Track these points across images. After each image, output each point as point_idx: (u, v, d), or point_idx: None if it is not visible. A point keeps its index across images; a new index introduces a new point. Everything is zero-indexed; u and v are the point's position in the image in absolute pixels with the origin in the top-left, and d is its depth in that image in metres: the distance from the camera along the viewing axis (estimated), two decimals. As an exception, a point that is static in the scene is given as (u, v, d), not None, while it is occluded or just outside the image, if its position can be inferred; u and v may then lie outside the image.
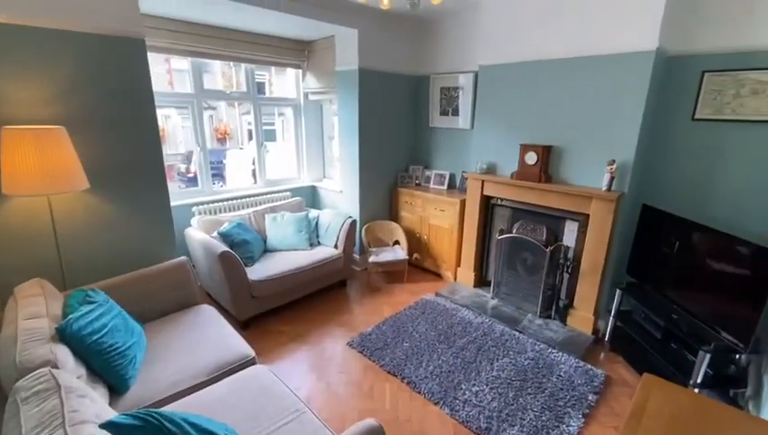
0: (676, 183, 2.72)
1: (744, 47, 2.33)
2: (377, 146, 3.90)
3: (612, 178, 2.65)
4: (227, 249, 2.79)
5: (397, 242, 4.01)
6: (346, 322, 3.13)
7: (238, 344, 2.05)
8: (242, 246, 3.14)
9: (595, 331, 2.90)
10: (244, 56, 3.62)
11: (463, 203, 3.59)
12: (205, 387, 1.76)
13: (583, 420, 2.14)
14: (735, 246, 2.04)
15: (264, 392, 1.68)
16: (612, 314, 2.76)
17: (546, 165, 3.00)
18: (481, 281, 3.69)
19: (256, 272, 3.00)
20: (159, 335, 2.09)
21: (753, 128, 2.38)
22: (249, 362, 1.98)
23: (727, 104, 2.46)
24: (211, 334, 2.12)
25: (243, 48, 3.56)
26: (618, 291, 2.72)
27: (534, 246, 3.11)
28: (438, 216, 3.80)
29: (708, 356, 1.96)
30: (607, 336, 2.81)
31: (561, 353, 2.70)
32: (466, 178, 3.69)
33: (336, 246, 3.55)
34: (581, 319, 2.94)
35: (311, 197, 4.50)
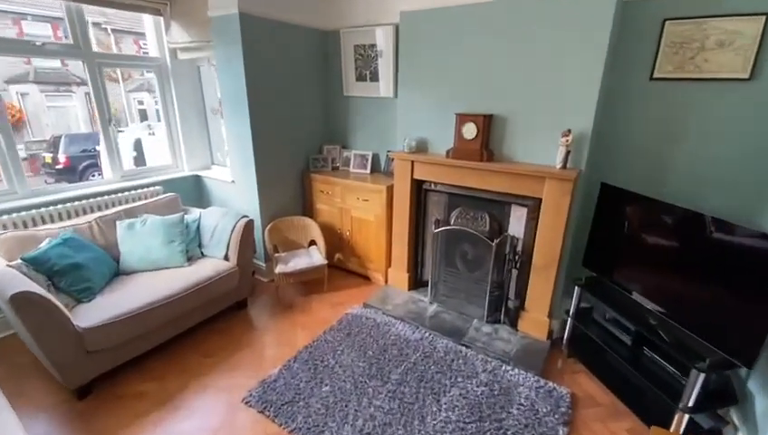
0: (630, 156, 2.32)
1: (712, -13, 1.93)
2: (277, 121, 3.00)
3: (568, 153, 2.15)
4: (25, 289, 1.74)
5: (313, 242, 3.21)
6: (243, 363, 2.29)
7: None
8: (69, 275, 2.09)
9: (550, 334, 2.47)
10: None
11: (390, 190, 2.91)
12: None
13: (559, 470, 1.65)
14: (727, 232, 1.64)
15: None
16: (570, 314, 2.33)
17: (487, 140, 2.42)
18: (416, 282, 3.09)
19: (94, 312, 2.00)
20: None
21: (715, 87, 2.02)
22: None
23: (690, 59, 2.06)
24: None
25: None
26: (576, 288, 2.29)
27: (477, 238, 2.56)
28: (362, 207, 3.07)
29: (703, 376, 1.56)
30: (564, 340, 2.39)
31: (517, 371, 2.20)
32: (392, 160, 3.00)
33: (227, 257, 2.64)
34: (534, 322, 2.48)
35: (195, 191, 3.46)
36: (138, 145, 6.83)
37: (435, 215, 2.86)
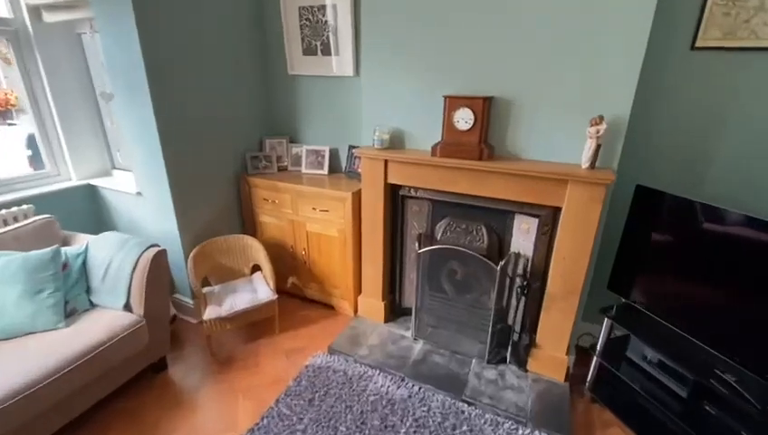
0: (661, 150, 1.84)
1: None
2: (195, 106, 2.19)
3: (598, 148, 1.61)
4: None
5: (257, 268, 2.47)
6: (155, 472, 1.55)
7: None
8: None
9: (567, 374, 1.97)
10: None
11: (358, 197, 2.24)
12: None
13: None
14: None
15: None
16: (597, 353, 1.84)
17: (487, 131, 1.82)
18: (394, 310, 2.47)
19: None
20: None
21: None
22: None
23: (745, 23, 1.59)
24: None
25: None
26: (606, 320, 1.79)
27: (474, 259, 1.98)
28: (321, 219, 2.37)
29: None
30: (588, 383, 1.90)
31: (535, 430, 1.68)
32: (358, 158, 2.34)
33: (129, 307, 1.85)
34: (549, 361, 1.97)
35: (88, 208, 2.55)
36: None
37: (415, 228, 2.24)
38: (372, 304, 2.39)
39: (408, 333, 2.30)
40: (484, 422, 1.75)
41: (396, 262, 2.36)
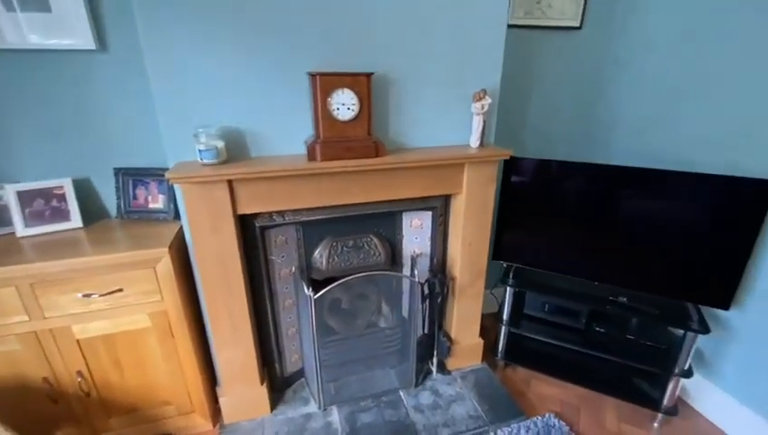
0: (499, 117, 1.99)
1: None
2: None
3: (484, 124, 1.53)
4: None
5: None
6: None
7: None
8: None
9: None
10: None
11: (180, 247, 1.34)
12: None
13: None
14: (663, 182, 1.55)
15: None
16: (504, 322, 1.89)
17: (371, 119, 1.40)
18: (275, 387, 1.74)
19: None
20: None
21: (554, 36, 1.92)
22: None
23: (537, 3, 1.85)
24: None
25: None
26: (508, 289, 1.83)
27: (390, 278, 1.59)
28: (105, 309, 1.31)
29: (697, 336, 1.49)
30: (500, 353, 1.95)
31: (489, 430, 1.57)
32: (143, 187, 1.41)
33: None
34: (467, 351, 1.89)
35: None
36: None
37: (283, 266, 1.59)
38: (246, 395, 1.58)
39: (312, 408, 1.67)
40: (459, 459, 1.48)
41: (268, 322, 1.62)
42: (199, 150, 1.20)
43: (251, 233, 1.44)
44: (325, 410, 1.67)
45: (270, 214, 1.43)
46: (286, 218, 1.46)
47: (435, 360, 1.83)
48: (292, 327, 1.71)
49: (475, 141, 1.54)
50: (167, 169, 1.23)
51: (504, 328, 1.89)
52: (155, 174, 1.51)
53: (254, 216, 1.41)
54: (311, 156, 1.31)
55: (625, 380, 1.79)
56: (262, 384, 1.60)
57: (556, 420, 1.64)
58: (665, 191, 1.52)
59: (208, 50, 1.20)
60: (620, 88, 1.98)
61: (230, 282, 1.39)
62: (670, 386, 1.60)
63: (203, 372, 1.55)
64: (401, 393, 1.76)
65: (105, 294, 1.29)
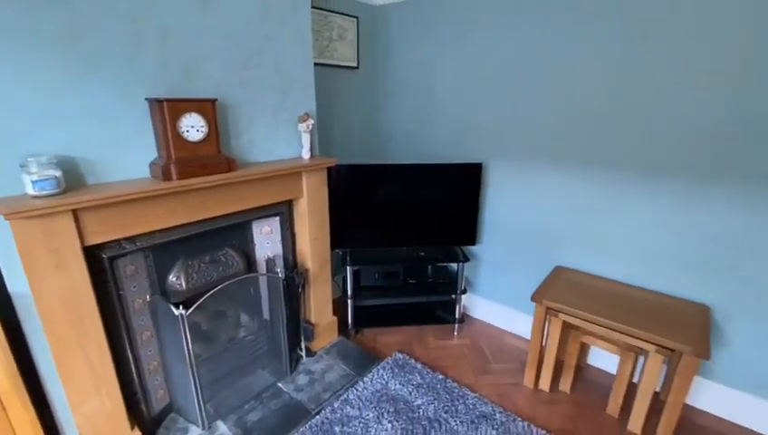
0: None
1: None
2: None
3: (311, 140, 1.92)
4: None
5: None
6: None
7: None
8: None
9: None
10: None
11: None
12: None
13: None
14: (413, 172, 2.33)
15: None
16: (350, 296, 2.32)
17: (219, 139, 1.56)
18: (144, 429, 1.59)
19: None
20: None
21: (342, 73, 2.52)
22: None
23: (326, 47, 2.38)
24: None
25: None
26: (348, 269, 2.28)
27: (248, 282, 1.74)
28: None
29: (464, 265, 2.33)
30: (350, 324, 2.38)
31: (370, 375, 2.01)
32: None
33: None
34: (326, 329, 2.22)
35: None
36: None
37: (135, 296, 1.52)
38: (114, 450, 1.42)
39: (195, 432, 1.64)
40: (341, 407, 1.81)
41: (128, 360, 1.49)
42: (33, 181, 1.09)
43: (98, 266, 1.34)
44: (210, 427, 1.67)
45: (119, 241, 1.37)
46: (137, 244, 1.43)
47: (303, 345, 2.09)
48: (154, 361, 1.62)
49: (306, 153, 1.91)
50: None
51: (350, 301, 2.34)
52: None
53: (100, 246, 1.33)
54: (166, 176, 1.37)
55: (433, 311, 2.54)
56: (132, 430, 1.47)
57: (400, 356, 2.19)
58: (427, 177, 2.31)
59: (35, 78, 1.11)
60: (391, 112, 2.76)
61: (83, 320, 1.26)
62: (458, 305, 2.42)
63: (47, 447, 1.30)
64: (280, 384, 1.93)
65: None
